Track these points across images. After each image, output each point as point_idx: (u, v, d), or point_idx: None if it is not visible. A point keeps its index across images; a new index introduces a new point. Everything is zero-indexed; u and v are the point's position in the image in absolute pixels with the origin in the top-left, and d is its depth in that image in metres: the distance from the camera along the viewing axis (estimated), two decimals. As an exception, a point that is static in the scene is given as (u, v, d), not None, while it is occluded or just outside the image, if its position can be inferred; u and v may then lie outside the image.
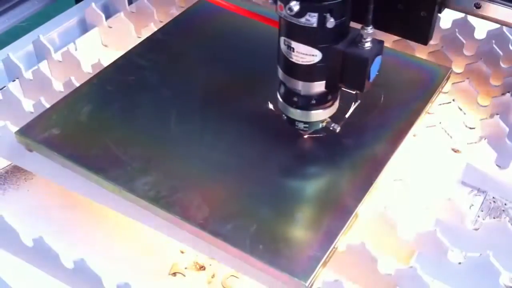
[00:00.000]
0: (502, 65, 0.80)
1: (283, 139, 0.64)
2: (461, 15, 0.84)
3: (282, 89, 0.59)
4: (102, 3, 0.90)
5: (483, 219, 0.66)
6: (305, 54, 0.54)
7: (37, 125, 0.64)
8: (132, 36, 0.84)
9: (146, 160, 0.61)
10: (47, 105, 0.68)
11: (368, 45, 0.53)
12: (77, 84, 0.71)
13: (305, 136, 0.64)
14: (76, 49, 0.84)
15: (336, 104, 0.60)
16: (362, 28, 0.53)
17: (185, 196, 0.57)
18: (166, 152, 0.62)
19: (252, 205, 0.58)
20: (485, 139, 0.67)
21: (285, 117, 0.61)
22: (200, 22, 0.80)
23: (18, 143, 0.64)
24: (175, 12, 0.86)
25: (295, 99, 0.58)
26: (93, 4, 0.86)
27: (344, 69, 0.54)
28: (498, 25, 0.82)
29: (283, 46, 0.55)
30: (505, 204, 0.68)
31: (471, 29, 0.83)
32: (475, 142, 0.68)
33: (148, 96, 0.69)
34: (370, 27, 0.52)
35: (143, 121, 0.66)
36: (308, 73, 0.55)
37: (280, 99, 0.60)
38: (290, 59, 0.55)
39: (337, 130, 0.60)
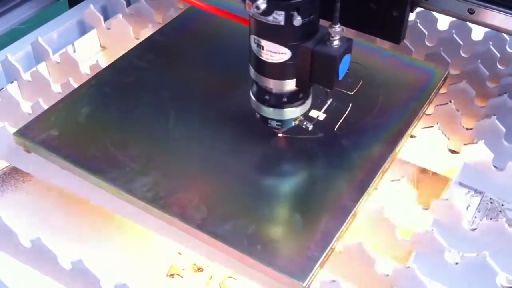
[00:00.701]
0: (499, 66, 0.80)
1: (281, 140, 0.65)
2: (458, 16, 0.84)
3: (255, 88, 0.60)
4: (100, 5, 0.90)
5: (480, 220, 0.66)
6: (275, 52, 0.54)
7: (36, 126, 0.64)
8: (130, 38, 0.84)
9: (144, 161, 0.61)
10: (46, 107, 0.68)
11: (336, 43, 0.54)
12: (75, 86, 0.71)
13: (303, 137, 0.64)
14: (74, 51, 0.84)
15: (309, 101, 0.60)
16: (330, 26, 0.53)
17: (183, 197, 0.58)
18: (164, 153, 0.62)
19: (249, 206, 0.58)
20: (482, 140, 0.67)
21: (258, 116, 0.61)
22: (198, 24, 0.80)
23: (17, 145, 0.65)
24: (173, 14, 0.86)
25: (267, 97, 0.59)
26: (91, 6, 0.86)
27: (313, 67, 0.55)
28: (495, 27, 0.82)
29: (253, 45, 0.56)
30: (502, 205, 0.68)
31: (468, 30, 0.84)
32: (472, 143, 0.68)
33: (146, 98, 0.69)
34: (338, 25, 0.53)
35: (141, 122, 0.66)
36: (279, 71, 0.56)
37: (253, 98, 0.60)
38: (260, 57, 0.55)
39: (310, 128, 0.61)
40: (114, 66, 0.73)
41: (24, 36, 0.84)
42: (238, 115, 0.67)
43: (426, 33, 0.84)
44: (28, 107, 0.72)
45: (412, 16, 0.86)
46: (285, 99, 0.58)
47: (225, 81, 0.71)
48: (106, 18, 0.88)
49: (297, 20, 0.51)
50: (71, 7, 0.92)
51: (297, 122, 0.61)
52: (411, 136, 0.69)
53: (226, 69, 0.73)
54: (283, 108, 0.59)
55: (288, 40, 0.54)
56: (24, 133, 0.64)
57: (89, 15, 0.87)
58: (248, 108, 0.67)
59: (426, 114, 0.71)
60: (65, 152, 0.62)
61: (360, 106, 0.68)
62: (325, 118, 0.66)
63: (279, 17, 0.52)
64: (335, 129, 0.65)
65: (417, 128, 0.69)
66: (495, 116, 0.70)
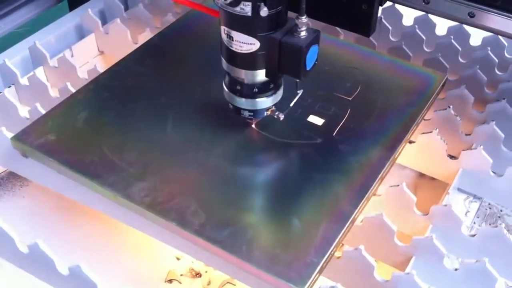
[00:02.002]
0: (497, 72, 0.80)
1: (280, 146, 0.64)
2: (456, 22, 0.84)
3: (227, 79, 0.61)
4: (98, 9, 0.90)
5: (479, 226, 0.66)
6: (244, 43, 0.55)
7: (33, 131, 0.64)
8: (128, 42, 0.84)
9: (142, 166, 0.61)
10: (43, 111, 0.68)
11: (303, 34, 0.54)
12: (73, 90, 0.71)
13: (302, 143, 0.64)
14: (72, 55, 0.84)
15: (280, 92, 0.61)
16: (297, 17, 0.54)
17: (181, 202, 0.57)
18: (162, 158, 0.62)
19: (248, 211, 0.57)
20: (480, 145, 0.67)
21: (231, 106, 0.62)
22: (196, 28, 0.80)
23: (14, 149, 0.64)
24: (171, 18, 0.86)
25: (239, 87, 0.60)
26: (89, 10, 0.86)
27: (281, 58, 0.56)
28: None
29: (223, 36, 0.57)
30: (501, 211, 0.68)
31: (467, 36, 0.84)
32: (471, 149, 0.68)
33: (144, 102, 0.69)
34: (304, 17, 0.54)
35: (139, 127, 0.66)
36: (249, 61, 0.57)
37: (226, 89, 0.61)
38: (231, 48, 0.56)
39: (281, 118, 0.62)
40: (112, 71, 0.73)
41: (22, 40, 0.84)
42: (236, 121, 0.67)
43: (424, 38, 0.84)
44: (26, 111, 0.72)
45: (410, 22, 0.86)
46: (256, 90, 0.59)
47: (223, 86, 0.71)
48: (104, 22, 0.88)
49: (264, 11, 0.53)
50: (72, 9, 0.92)
51: (269, 112, 0.62)
52: (410, 142, 0.69)
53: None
54: (254, 98, 0.60)
55: (256, 31, 0.55)
56: (21, 138, 0.63)
57: (87, 20, 0.87)
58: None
59: (424, 120, 0.71)
60: (63, 157, 0.61)
61: (359, 111, 0.68)
62: (324, 124, 0.66)
63: (246, 8, 0.53)
64: (334, 135, 0.65)
65: (416, 134, 0.69)
66: (494, 122, 0.70)
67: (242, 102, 0.61)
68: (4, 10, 0.88)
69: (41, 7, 0.93)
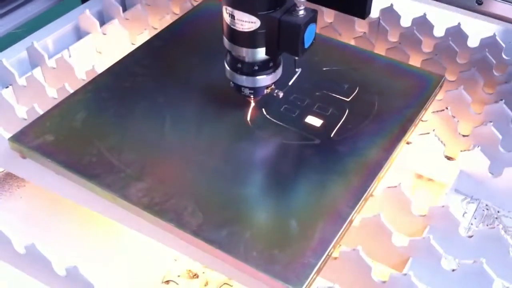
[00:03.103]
0: (495, 73, 0.80)
1: (278, 146, 0.65)
2: (454, 23, 0.84)
3: (228, 57, 0.63)
4: (96, 10, 0.90)
5: (477, 227, 0.66)
6: (245, 21, 0.58)
7: (31, 131, 0.64)
8: (126, 43, 0.84)
9: (140, 166, 0.61)
10: (41, 112, 0.68)
11: (301, 13, 0.57)
12: (71, 91, 0.71)
13: (299, 143, 0.64)
14: (70, 56, 0.84)
15: (279, 70, 0.64)
16: None
17: (179, 203, 0.57)
18: (160, 159, 0.62)
19: (246, 212, 0.57)
20: (478, 146, 0.67)
21: (232, 85, 0.65)
22: (194, 28, 0.80)
23: (11, 150, 0.64)
24: (169, 19, 0.86)
25: (240, 65, 0.62)
26: (87, 10, 0.86)
27: (280, 36, 0.58)
28: (491, 33, 0.83)
29: (225, 16, 0.60)
30: (498, 212, 0.68)
31: (465, 37, 0.84)
32: (469, 150, 0.68)
33: (142, 103, 0.69)
34: None
35: (137, 128, 0.66)
36: (250, 39, 0.60)
37: (227, 67, 0.64)
38: (233, 26, 0.59)
39: (280, 96, 0.64)
40: (110, 72, 0.73)
41: (20, 41, 0.84)
42: (234, 121, 0.67)
43: (422, 39, 0.84)
44: (24, 112, 0.72)
45: (408, 23, 0.86)
46: (256, 68, 0.62)
47: (221, 87, 0.71)
48: (102, 23, 0.88)
49: None
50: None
51: (269, 90, 0.64)
52: (408, 143, 0.69)
53: (222, 75, 0.73)
54: (255, 76, 0.62)
55: (257, 10, 0.58)
56: (19, 138, 0.63)
57: (85, 20, 0.87)
58: (245, 113, 0.67)
59: (422, 121, 0.71)
60: (61, 157, 0.61)
61: (357, 112, 0.68)
62: (322, 125, 0.66)
63: None
64: (332, 136, 0.65)
65: (414, 135, 0.69)
66: (491, 123, 0.70)
67: (243, 80, 0.63)
68: (2, 10, 0.88)
69: (39, 7, 0.93)
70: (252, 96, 0.65)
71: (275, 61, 0.63)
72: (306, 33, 0.57)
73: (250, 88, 0.64)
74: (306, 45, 0.59)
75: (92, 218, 0.64)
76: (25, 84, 0.77)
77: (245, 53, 0.61)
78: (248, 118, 0.67)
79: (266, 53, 0.61)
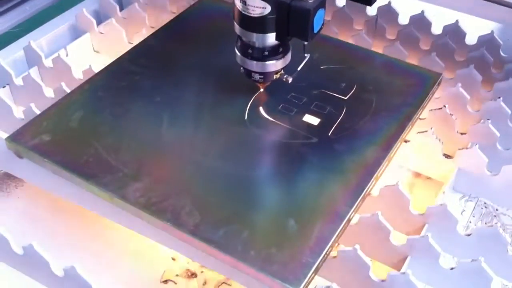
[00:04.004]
0: (493, 70, 0.80)
1: (275, 145, 0.64)
2: (452, 20, 0.84)
3: (239, 43, 0.65)
4: (93, 9, 0.90)
5: (475, 225, 0.66)
6: (256, 7, 0.60)
7: (28, 131, 0.64)
8: (123, 42, 0.83)
9: (137, 166, 0.61)
10: (38, 112, 0.68)
11: None
12: (68, 90, 0.71)
13: (297, 142, 0.64)
14: (67, 55, 0.84)
15: (288, 56, 0.65)
16: None
17: (176, 203, 0.57)
18: (157, 158, 0.62)
19: (243, 211, 0.57)
20: (476, 144, 0.67)
21: (242, 70, 0.66)
22: (191, 27, 0.80)
23: (8, 150, 0.64)
24: (166, 18, 0.86)
25: (250, 51, 0.64)
26: (84, 10, 0.86)
27: (290, 21, 0.60)
28: (489, 31, 0.83)
29: (237, 2, 0.61)
30: (497, 210, 0.68)
31: (462, 34, 0.84)
32: (467, 148, 0.68)
33: (140, 102, 0.69)
34: None
35: (134, 127, 0.66)
36: (260, 25, 0.61)
37: (238, 53, 0.65)
38: (244, 12, 0.61)
39: (290, 81, 0.66)
40: (107, 71, 0.73)
41: (17, 40, 0.84)
42: (231, 120, 0.67)
43: (420, 37, 0.84)
44: (21, 112, 0.72)
45: (406, 21, 0.86)
46: (266, 53, 0.63)
47: (219, 86, 0.71)
48: (99, 22, 0.87)
49: None
50: None
51: (278, 76, 0.66)
52: (405, 141, 0.69)
53: (220, 74, 0.73)
54: (265, 61, 0.64)
55: None
56: (16, 138, 0.63)
57: (82, 19, 0.87)
58: (242, 112, 0.67)
59: (420, 119, 0.71)
60: (58, 157, 0.61)
61: (354, 111, 0.68)
62: (319, 123, 0.66)
63: None
64: (330, 134, 0.65)
65: (411, 133, 0.69)
66: (489, 121, 0.70)
67: (253, 65, 0.64)
68: (-2, 10, 0.88)
69: (36, 6, 0.93)
70: (262, 82, 0.66)
71: (285, 47, 0.64)
72: (315, 18, 0.59)
73: (260, 73, 0.65)
74: (315, 30, 0.60)
75: (90, 218, 0.64)
76: (22, 84, 0.77)
77: (255, 38, 0.62)
78: (246, 117, 0.67)
79: (276, 38, 0.62)
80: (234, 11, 0.62)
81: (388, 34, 0.86)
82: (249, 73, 0.66)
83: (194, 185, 0.60)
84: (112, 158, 0.61)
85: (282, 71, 0.66)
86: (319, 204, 0.58)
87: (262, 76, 0.65)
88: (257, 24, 0.61)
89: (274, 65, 0.65)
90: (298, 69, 0.66)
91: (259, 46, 0.63)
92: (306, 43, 0.62)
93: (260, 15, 0.60)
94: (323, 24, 0.62)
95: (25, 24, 0.92)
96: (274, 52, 0.64)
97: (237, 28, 0.63)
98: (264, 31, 0.61)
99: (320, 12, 0.60)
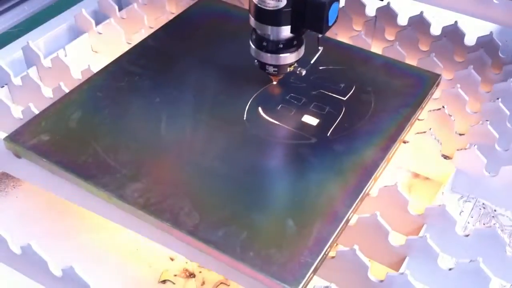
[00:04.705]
0: (492, 71, 0.80)
1: (274, 145, 0.64)
2: (451, 21, 0.84)
3: (254, 36, 0.66)
4: (92, 9, 0.90)
5: (473, 225, 0.66)
6: (272, 0, 0.61)
7: (26, 131, 0.64)
8: (122, 42, 0.83)
9: (136, 166, 0.61)
10: (36, 112, 0.68)
11: None
12: (67, 90, 0.71)
13: (296, 143, 0.64)
14: (66, 55, 0.84)
15: (302, 49, 0.66)
16: None
17: (175, 203, 0.57)
18: (156, 159, 0.62)
19: (242, 212, 0.57)
20: (475, 145, 0.67)
21: (257, 62, 0.67)
22: (190, 28, 0.80)
23: (7, 150, 0.64)
24: (165, 18, 0.86)
25: (265, 43, 0.65)
26: (83, 10, 0.86)
27: (306, 14, 0.61)
28: (487, 32, 0.83)
29: None
30: (495, 210, 0.68)
31: (461, 35, 0.84)
32: (465, 149, 0.68)
33: (138, 102, 0.69)
34: None
35: (133, 127, 0.65)
36: (276, 18, 0.62)
37: (252, 46, 0.66)
38: (260, 5, 0.62)
39: (303, 73, 0.67)
40: (105, 71, 0.73)
41: (15, 40, 0.84)
42: (230, 120, 0.67)
43: (419, 38, 0.84)
44: (19, 112, 0.71)
45: (404, 22, 0.86)
46: (281, 46, 0.64)
47: (217, 86, 0.71)
48: (97, 22, 0.87)
49: None
50: None
51: (291, 68, 0.67)
52: (404, 142, 0.69)
53: (219, 74, 0.73)
54: (279, 54, 0.65)
55: None
56: (14, 138, 0.63)
57: (80, 19, 0.86)
58: (242, 113, 0.67)
59: (419, 120, 0.71)
60: (56, 157, 0.61)
61: (353, 111, 0.68)
62: (318, 124, 0.66)
63: None
64: (328, 135, 0.65)
65: (410, 134, 0.69)
66: (488, 122, 0.70)
67: (268, 58, 0.65)
68: (-3, 10, 0.88)
69: (35, 6, 0.93)
70: (275, 74, 0.67)
71: (299, 40, 0.65)
72: (330, 11, 0.60)
73: (274, 66, 0.66)
74: (330, 23, 0.61)
75: (88, 218, 0.64)
76: (21, 84, 0.77)
77: (270, 31, 0.63)
78: (245, 118, 0.67)
79: (291, 31, 0.63)
80: (249, 4, 0.63)
81: (387, 35, 0.86)
82: (263, 65, 0.67)
83: (193, 185, 0.60)
84: (111, 158, 0.61)
85: (295, 64, 0.67)
86: (318, 204, 0.58)
87: (276, 69, 0.66)
88: (273, 17, 0.62)
89: (288, 57, 0.65)
90: (312, 61, 0.67)
91: (274, 39, 0.64)
92: (320, 35, 0.63)
93: (276, 8, 0.61)
94: (337, 17, 0.62)
95: (24, 24, 0.92)
96: (288, 45, 0.65)
97: (252, 21, 0.64)
98: (279, 24, 0.62)
99: (334, 5, 0.61)
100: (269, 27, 0.63)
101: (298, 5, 0.61)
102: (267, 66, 0.66)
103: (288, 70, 0.67)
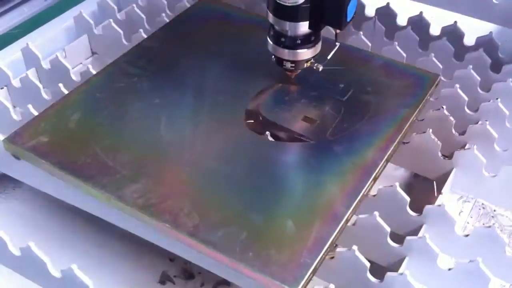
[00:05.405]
0: (491, 72, 0.80)
1: (273, 147, 0.64)
2: (450, 22, 0.84)
3: (272, 32, 0.66)
4: (91, 10, 0.90)
5: (473, 226, 0.66)
6: None
7: (25, 132, 0.64)
8: (121, 44, 0.83)
9: (136, 167, 0.61)
10: (36, 113, 0.68)
11: None
12: (66, 92, 0.71)
13: (295, 143, 0.64)
14: (65, 57, 0.84)
15: (319, 45, 0.67)
16: None
17: (174, 204, 0.57)
18: (155, 160, 0.62)
19: (241, 212, 0.57)
20: (474, 145, 0.67)
21: (274, 58, 0.67)
22: (189, 29, 0.80)
23: (6, 151, 0.64)
24: (164, 19, 0.86)
25: (283, 39, 0.65)
26: (82, 11, 0.86)
27: (324, 9, 0.62)
28: (487, 32, 0.83)
29: None
30: (494, 211, 0.68)
31: (461, 36, 0.84)
32: (465, 149, 0.68)
33: (138, 103, 0.69)
34: None
35: (133, 129, 0.65)
36: (294, 13, 0.62)
37: (270, 41, 0.66)
38: (278, 1, 0.62)
39: (320, 69, 0.67)
40: (105, 72, 0.73)
41: (15, 42, 0.84)
42: (229, 121, 0.67)
43: (418, 38, 0.84)
44: (18, 113, 0.72)
45: (404, 22, 0.86)
46: (298, 41, 0.64)
47: (217, 87, 0.71)
48: (97, 23, 0.88)
49: None
50: None
51: (308, 64, 0.67)
52: (404, 142, 0.69)
53: (218, 75, 0.73)
54: (296, 49, 0.65)
55: None
56: (13, 139, 0.63)
57: (80, 21, 0.87)
58: (241, 113, 0.67)
59: (418, 120, 0.71)
60: (55, 159, 0.61)
61: (353, 112, 0.68)
62: (317, 124, 0.66)
63: None
64: (328, 135, 0.65)
65: (410, 134, 0.69)
66: (487, 122, 0.70)
67: (285, 54, 0.66)
68: (-3, 11, 0.88)
69: (35, 8, 0.93)
70: (293, 70, 0.67)
71: (316, 36, 0.65)
72: (349, 6, 0.61)
73: (291, 62, 0.66)
74: (349, 18, 0.62)
75: (88, 219, 0.64)
76: (20, 85, 0.77)
77: (288, 27, 0.63)
78: (244, 118, 0.67)
79: (309, 27, 0.63)
80: (268, 0, 0.64)
81: (386, 35, 0.86)
82: (280, 61, 0.67)
83: (193, 186, 0.60)
84: (110, 160, 0.61)
85: (312, 60, 0.67)
86: (317, 205, 0.58)
87: (293, 65, 0.67)
88: (291, 13, 0.62)
89: (305, 53, 0.66)
90: (329, 57, 0.67)
91: (291, 35, 0.64)
92: (338, 31, 0.64)
93: (294, 4, 0.61)
94: (355, 13, 0.63)
95: (24, 25, 0.92)
96: (306, 41, 0.65)
97: (270, 17, 0.64)
98: (298, 19, 0.62)
99: (353, 0, 0.61)
100: (287, 22, 0.63)
101: (317, 1, 0.61)
102: (284, 61, 0.67)
103: (305, 65, 0.67)
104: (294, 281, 0.51)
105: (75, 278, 0.54)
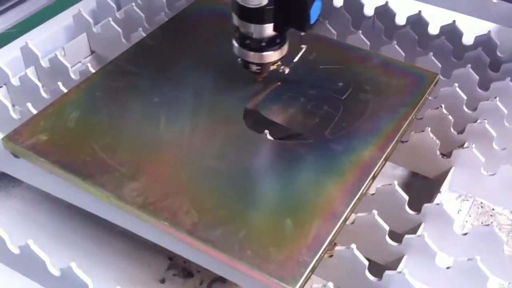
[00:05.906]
0: (490, 71, 0.80)
1: (272, 145, 0.64)
2: (449, 21, 0.84)
3: (237, 34, 0.66)
4: (90, 9, 0.90)
5: (471, 224, 0.66)
6: None
7: (24, 131, 0.64)
8: (120, 42, 0.84)
9: (135, 166, 0.61)
10: (35, 111, 0.68)
11: None
12: (65, 90, 0.71)
13: (293, 142, 0.64)
14: (64, 55, 0.84)
15: (285, 47, 0.66)
16: None
17: (173, 202, 0.57)
18: (154, 158, 0.62)
19: (240, 211, 0.57)
20: (473, 144, 0.67)
21: (240, 61, 0.67)
22: (188, 27, 0.80)
23: (5, 150, 0.64)
24: (163, 18, 0.86)
25: (248, 41, 0.64)
26: (81, 10, 0.86)
27: (288, 11, 0.61)
28: (485, 31, 0.83)
29: None
30: (493, 209, 0.68)
31: (459, 35, 0.84)
32: (463, 147, 0.68)
33: (137, 102, 0.69)
34: None
35: (132, 127, 0.65)
36: (258, 16, 0.62)
37: (235, 44, 0.66)
38: (242, 3, 0.62)
39: (286, 72, 0.67)
40: (104, 71, 0.73)
41: (14, 40, 0.84)
42: (229, 120, 0.67)
43: (416, 37, 0.84)
44: (17, 112, 0.72)
45: (403, 21, 0.87)
46: (264, 44, 0.64)
47: (215, 86, 0.71)
48: (96, 22, 0.88)
49: None
50: None
51: (275, 66, 0.66)
52: (402, 141, 0.69)
53: (217, 73, 0.73)
54: (262, 52, 0.65)
55: None
56: (12, 138, 0.63)
57: (79, 19, 0.87)
58: (240, 112, 0.67)
59: (417, 119, 0.71)
60: (54, 157, 0.61)
61: (351, 110, 0.68)
62: (316, 123, 0.66)
63: None
64: (326, 134, 0.65)
65: (408, 133, 0.69)
66: (486, 121, 0.70)
67: (250, 56, 0.65)
68: (-5, 10, 0.88)
69: (34, 7, 0.93)
70: (259, 72, 0.67)
71: (282, 38, 0.65)
72: (312, 9, 0.60)
73: (257, 64, 0.66)
74: (312, 21, 0.62)
75: (87, 217, 0.64)
76: (19, 84, 0.77)
77: (253, 29, 0.63)
78: (242, 117, 0.67)
79: (274, 29, 0.63)
80: (232, 2, 0.63)
81: (385, 34, 0.86)
82: (246, 64, 0.66)
83: (192, 184, 0.60)
84: (109, 158, 0.61)
85: (279, 62, 0.66)
86: (316, 203, 0.58)
87: (259, 67, 0.66)
88: (255, 15, 0.62)
89: (271, 56, 0.65)
90: (295, 60, 0.67)
91: (256, 37, 0.64)
92: (302, 33, 0.63)
93: (258, 5, 0.61)
94: (319, 16, 0.62)
95: (22, 24, 0.92)
96: (271, 43, 0.64)
97: (235, 19, 0.64)
98: (262, 21, 0.62)
99: (317, 3, 0.61)
100: (252, 25, 0.63)
101: (281, 3, 0.61)
102: (250, 64, 0.66)
103: (271, 68, 0.67)
104: (293, 279, 0.51)
105: (74, 276, 0.54)
